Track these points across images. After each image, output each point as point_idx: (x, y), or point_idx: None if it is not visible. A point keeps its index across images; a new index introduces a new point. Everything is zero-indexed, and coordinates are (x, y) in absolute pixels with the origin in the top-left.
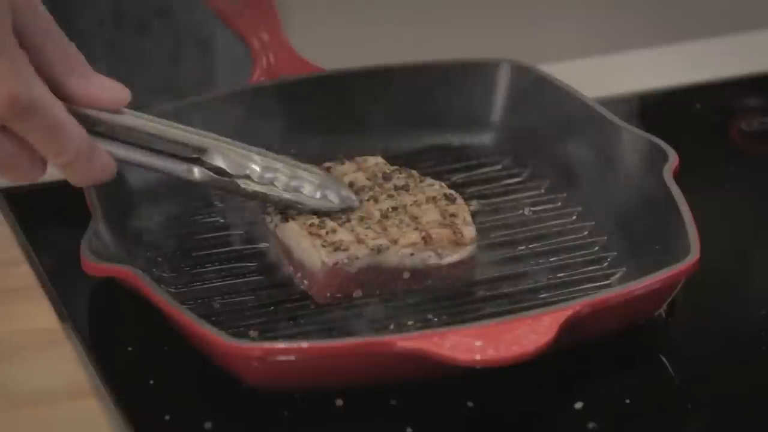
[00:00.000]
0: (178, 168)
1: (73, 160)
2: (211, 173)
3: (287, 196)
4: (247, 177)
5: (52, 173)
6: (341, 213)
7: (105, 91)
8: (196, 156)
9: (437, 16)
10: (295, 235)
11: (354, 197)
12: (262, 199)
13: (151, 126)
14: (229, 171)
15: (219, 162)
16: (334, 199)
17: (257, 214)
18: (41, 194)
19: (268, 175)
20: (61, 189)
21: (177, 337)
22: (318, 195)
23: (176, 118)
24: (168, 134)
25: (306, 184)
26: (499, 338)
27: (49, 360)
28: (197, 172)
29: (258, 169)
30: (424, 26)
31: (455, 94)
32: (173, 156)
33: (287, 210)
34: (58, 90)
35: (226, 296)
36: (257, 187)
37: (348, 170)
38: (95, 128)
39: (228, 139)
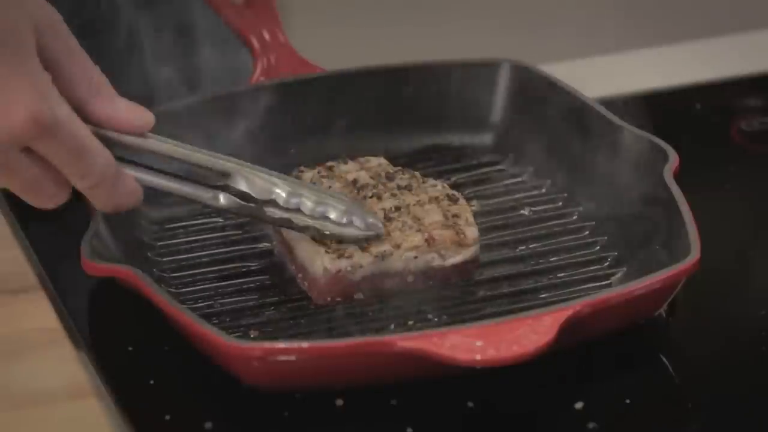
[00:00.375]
0: (203, 195)
1: (99, 183)
2: (237, 199)
3: (313, 222)
4: (273, 202)
5: None
6: (365, 242)
7: (129, 114)
8: (221, 183)
9: (437, 16)
10: (298, 237)
11: (380, 224)
12: (288, 226)
13: (175, 150)
14: (254, 196)
15: (243, 187)
16: (359, 225)
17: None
18: None
19: (294, 200)
20: None
21: (177, 337)
22: (344, 221)
23: (176, 118)
24: (192, 158)
25: (331, 209)
26: (499, 338)
27: (49, 360)
28: (222, 199)
29: (283, 194)
30: (424, 26)
31: (455, 94)
32: (198, 183)
33: (312, 237)
34: (81, 113)
35: (227, 296)
36: (283, 214)
37: (351, 169)
38: (119, 152)
39: (252, 165)
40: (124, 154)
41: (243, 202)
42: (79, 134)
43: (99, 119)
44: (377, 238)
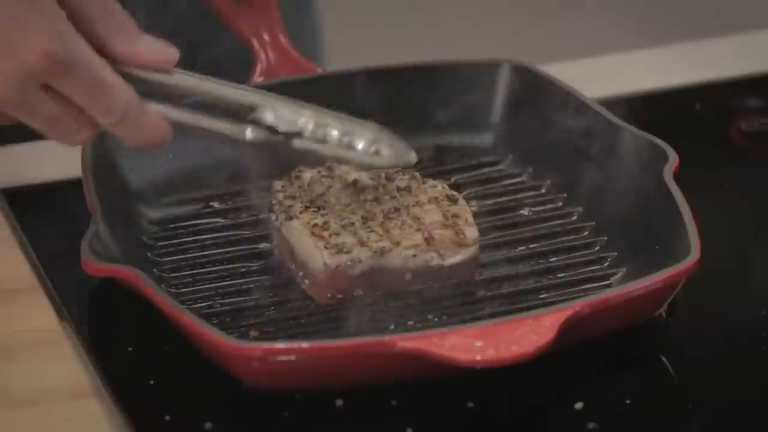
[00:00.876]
0: (230, 128)
1: (122, 118)
2: (264, 132)
3: (340, 152)
4: (299, 134)
5: (52, 173)
6: (399, 169)
7: (153, 51)
8: (248, 117)
9: (437, 16)
10: (298, 234)
11: (413, 153)
12: (314, 158)
13: (201, 84)
14: (281, 128)
15: (270, 118)
16: (388, 153)
17: (257, 215)
18: (41, 194)
19: (321, 131)
20: (61, 189)
21: (177, 337)
22: (372, 150)
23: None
24: (218, 92)
25: (358, 139)
26: (499, 338)
27: (49, 360)
28: (249, 132)
29: (310, 125)
30: (424, 27)
31: (455, 94)
32: (224, 117)
33: (337, 164)
34: (103, 50)
35: (227, 296)
36: (310, 145)
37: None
38: (143, 89)
39: (279, 96)
40: (148, 90)
41: (270, 135)
42: (96, 70)
43: (122, 56)
44: (408, 166)
